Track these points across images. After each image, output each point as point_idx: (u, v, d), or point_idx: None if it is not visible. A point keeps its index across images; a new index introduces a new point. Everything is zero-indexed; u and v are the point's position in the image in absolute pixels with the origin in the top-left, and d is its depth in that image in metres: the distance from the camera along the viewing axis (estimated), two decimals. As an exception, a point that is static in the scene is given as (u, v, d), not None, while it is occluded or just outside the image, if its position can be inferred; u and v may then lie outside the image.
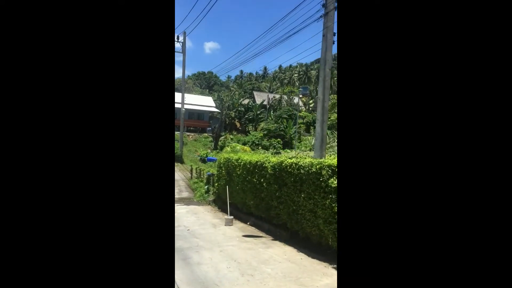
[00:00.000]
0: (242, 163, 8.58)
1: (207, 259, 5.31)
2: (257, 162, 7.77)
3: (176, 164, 17.36)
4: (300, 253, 5.69)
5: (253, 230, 7.55)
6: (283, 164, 6.55)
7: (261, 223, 7.71)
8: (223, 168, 9.93)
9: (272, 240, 6.64)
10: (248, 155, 8.79)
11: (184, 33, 19.15)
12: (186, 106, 20.32)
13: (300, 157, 7.05)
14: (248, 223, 8.13)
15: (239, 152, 14.72)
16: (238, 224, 8.11)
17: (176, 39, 18.99)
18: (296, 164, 6.18)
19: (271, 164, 7.08)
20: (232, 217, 8.22)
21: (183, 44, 18.94)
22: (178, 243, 6.26)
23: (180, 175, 15.09)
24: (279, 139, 25.08)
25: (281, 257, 5.47)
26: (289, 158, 6.76)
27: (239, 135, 32.06)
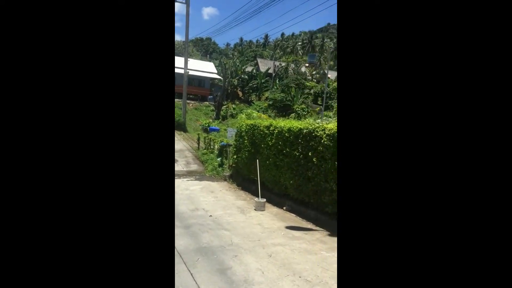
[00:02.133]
0: (275, 132, 6.68)
1: (256, 272, 3.54)
2: (301, 130, 5.88)
3: (179, 132, 15.37)
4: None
5: (295, 219, 5.79)
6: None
7: (303, 208, 5.95)
8: (246, 138, 8.02)
9: (330, 236, 4.90)
10: (285, 122, 6.86)
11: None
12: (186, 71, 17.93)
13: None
14: (284, 207, 6.36)
15: (256, 119, 12.70)
16: (271, 209, 6.35)
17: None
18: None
19: (327, 133, 5.20)
20: (264, 200, 6.43)
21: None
22: (204, 238, 4.48)
23: (185, 144, 13.15)
24: (303, 106, 23.22)
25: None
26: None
27: (242, 104, 29.93)
